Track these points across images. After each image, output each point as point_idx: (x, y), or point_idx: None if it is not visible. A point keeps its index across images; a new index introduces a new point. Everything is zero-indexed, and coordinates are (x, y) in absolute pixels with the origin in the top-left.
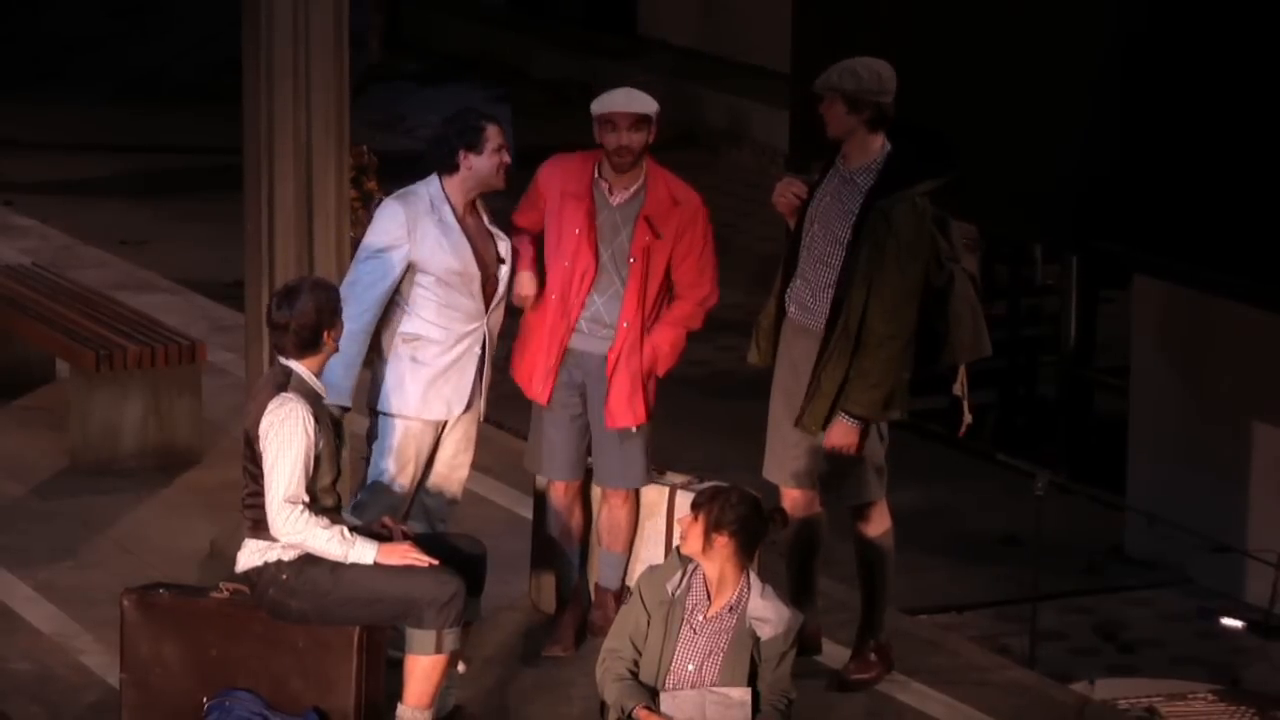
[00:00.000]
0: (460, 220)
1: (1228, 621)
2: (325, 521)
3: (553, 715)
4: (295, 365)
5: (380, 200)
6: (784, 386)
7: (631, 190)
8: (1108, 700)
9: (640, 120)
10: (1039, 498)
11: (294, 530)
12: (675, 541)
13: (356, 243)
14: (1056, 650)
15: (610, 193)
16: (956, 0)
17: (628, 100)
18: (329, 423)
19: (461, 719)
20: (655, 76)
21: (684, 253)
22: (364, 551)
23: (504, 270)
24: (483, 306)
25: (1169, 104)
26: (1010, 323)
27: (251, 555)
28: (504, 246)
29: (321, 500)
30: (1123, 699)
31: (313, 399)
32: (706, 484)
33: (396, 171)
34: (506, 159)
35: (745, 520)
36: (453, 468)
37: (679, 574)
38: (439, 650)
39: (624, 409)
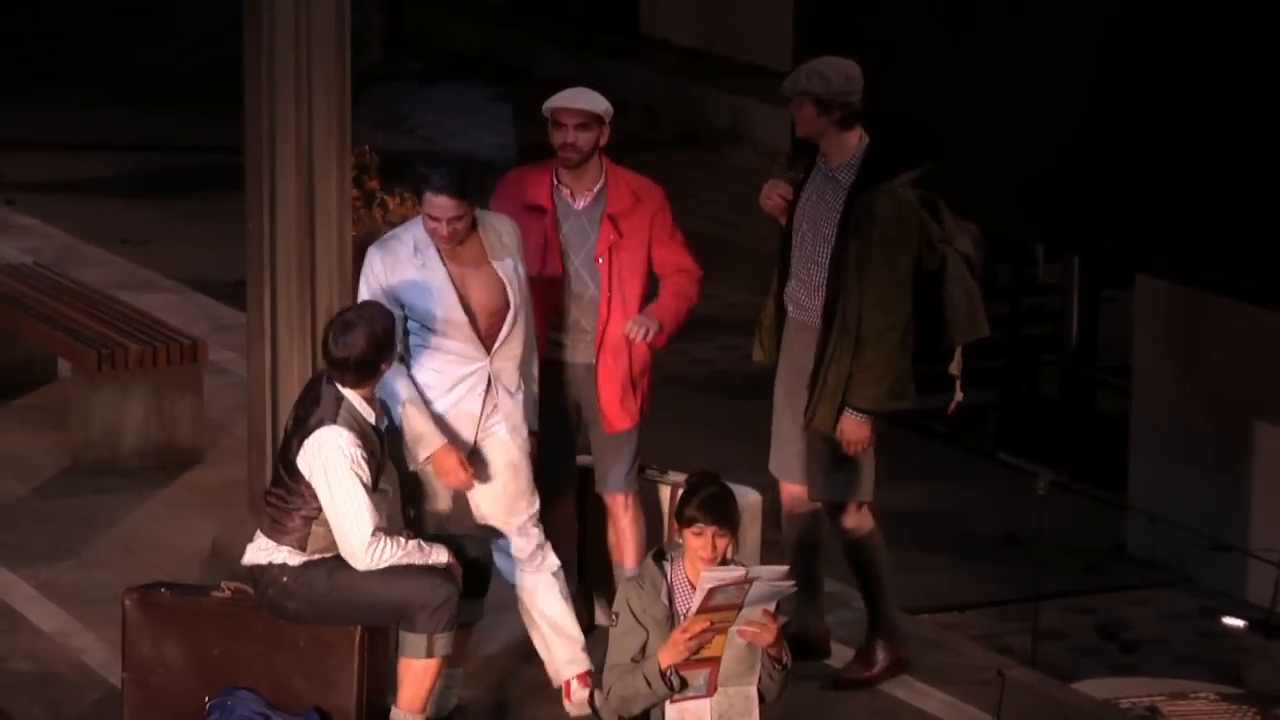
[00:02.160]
0: (448, 262)
1: (1229, 621)
2: (401, 541)
3: (552, 715)
4: (348, 392)
5: (380, 201)
6: (785, 383)
7: (594, 191)
8: (1110, 699)
9: (589, 119)
10: (1041, 497)
11: (382, 564)
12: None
13: (357, 242)
14: (1058, 650)
15: (573, 198)
16: None
17: (574, 98)
18: (376, 444)
19: (462, 718)
20: (657, 76)
21: (658, 241)
22: (439, 556)
23: (511, 311)
24: (481, 349)
25: (1170, 103)
26: (1012, 322)
27: (259, 552)
28: (513, 287)
29: None
30: (1124, 698)
31: (362, 425)
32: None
33: (398, 171)
34: (444, 231)
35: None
36: (505, 500)
37: (664, 581)
38: (430, 654)
39: (618, 413)
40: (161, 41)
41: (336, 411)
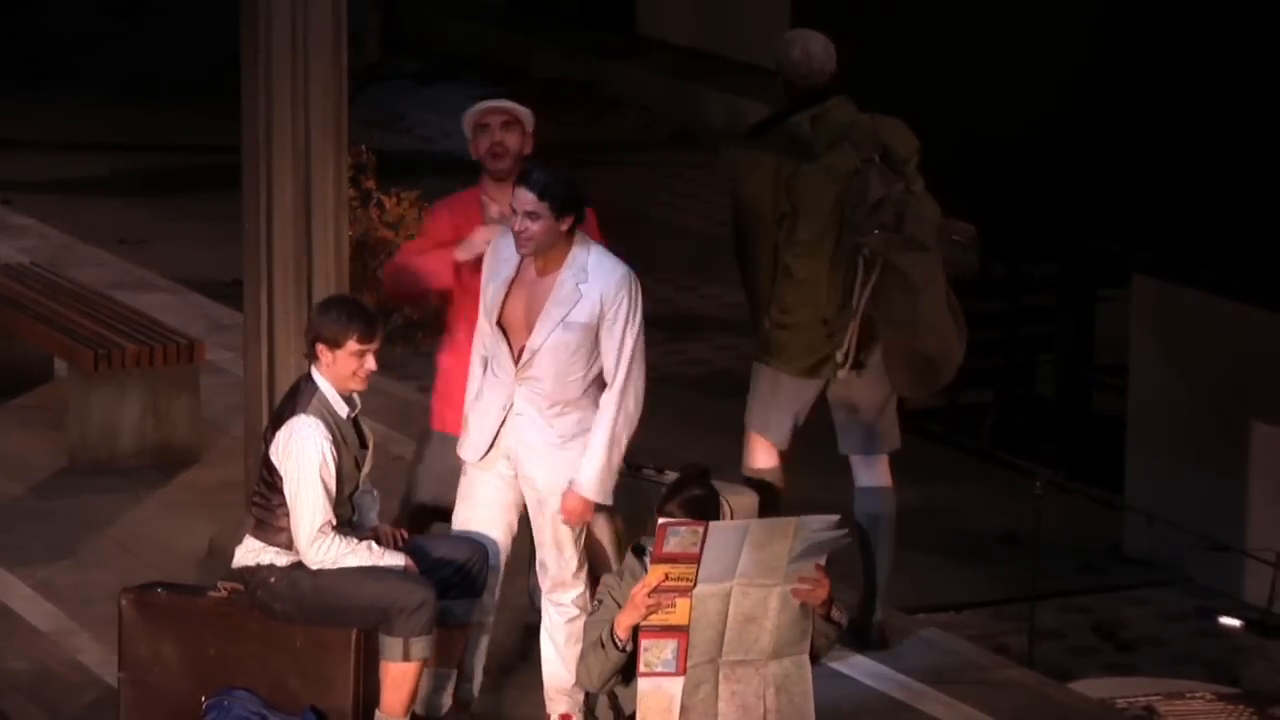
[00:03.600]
0: (524, 269)
1: (1226, 620)
2: (353, 542)
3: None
4: (319, 380)
5: (377, 200)
6: None
7: None
8: (1106, 699)
9: (512, 119)
10: (1038, 497)
11: (327, 560)
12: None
13: (354, 242)
14: (1055, 649)
15: (500, 215)
16: None
17: (496, 102)
18: (353, 437)
19: (460, 717)
20: (654, 75)
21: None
22: (393, 561)
23: (529, 344)
24: (511, 363)
25: (1169, 102)
26: (1008, 321)
27: (247, 554)
28: (545, 325)
29: (335, 511)
30: (1121, 698)
31: (334, 417)
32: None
33: (394, 171)
34: (516, 225)
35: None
36: (533, 526)
37: (644, 573)
38: (406, 658)
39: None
40: (158, 41)
41: (309, 403)
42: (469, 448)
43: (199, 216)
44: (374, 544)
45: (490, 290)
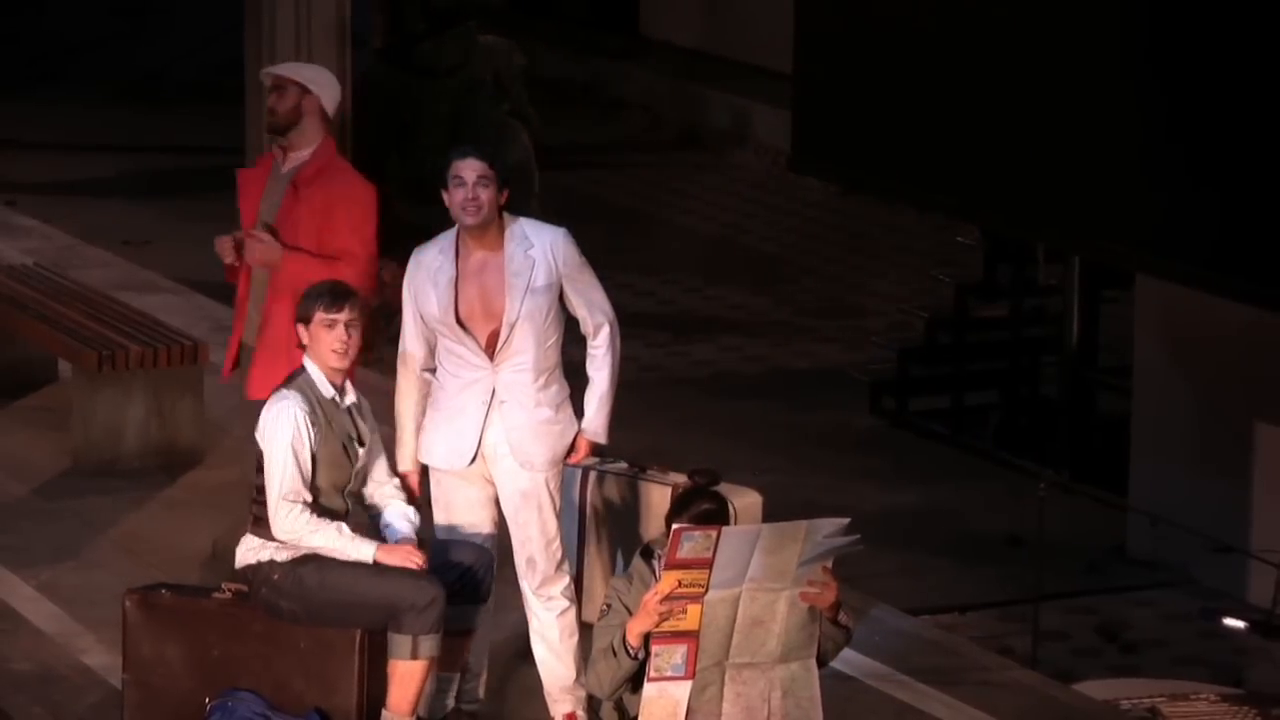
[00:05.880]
0: (462, 264)
1: (1230, 622)
2: (325, 521)
3: (549, 718)
4: (309, 364)
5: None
6: None
7: (301, 156)
8: (1110, 700)
9: (287, 84)
10: (1041, 498)
11: (291, 528)
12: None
13: None
14: (1059, 650)
15: (284, 160)
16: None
17: (273, 67)
18: (344, 424)
19: (461, 719)
20: (657, 77)
21: (330, 219)
22: (363, 549)
23: (504, 321)
24: (483, 356)
25: (1173, 102)
26: (1013, 323)
27: (248, 552)
28: (513, 297)
29: (325, 502)
30: (1125, 699)
31: (317, 396)
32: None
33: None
34: (472, 194)
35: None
36: (515, 525)
37: (652, 577)
38: (415, 656)
39: (261, 381)
40: (162, 42)
41: (292, 381)
42: (453, 455)
43: (203, 218)
44: (344, 526)
45: (433, 298)
